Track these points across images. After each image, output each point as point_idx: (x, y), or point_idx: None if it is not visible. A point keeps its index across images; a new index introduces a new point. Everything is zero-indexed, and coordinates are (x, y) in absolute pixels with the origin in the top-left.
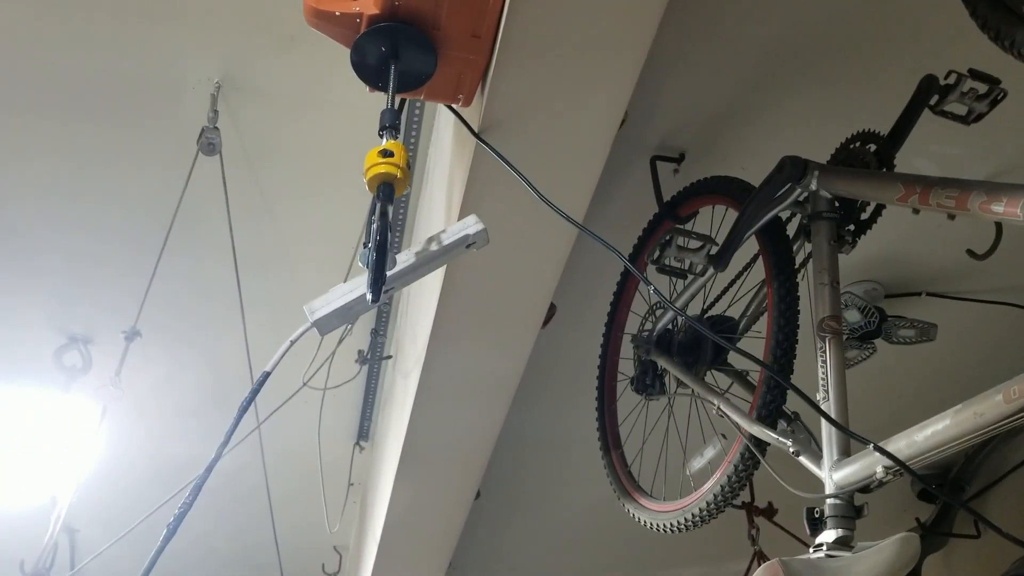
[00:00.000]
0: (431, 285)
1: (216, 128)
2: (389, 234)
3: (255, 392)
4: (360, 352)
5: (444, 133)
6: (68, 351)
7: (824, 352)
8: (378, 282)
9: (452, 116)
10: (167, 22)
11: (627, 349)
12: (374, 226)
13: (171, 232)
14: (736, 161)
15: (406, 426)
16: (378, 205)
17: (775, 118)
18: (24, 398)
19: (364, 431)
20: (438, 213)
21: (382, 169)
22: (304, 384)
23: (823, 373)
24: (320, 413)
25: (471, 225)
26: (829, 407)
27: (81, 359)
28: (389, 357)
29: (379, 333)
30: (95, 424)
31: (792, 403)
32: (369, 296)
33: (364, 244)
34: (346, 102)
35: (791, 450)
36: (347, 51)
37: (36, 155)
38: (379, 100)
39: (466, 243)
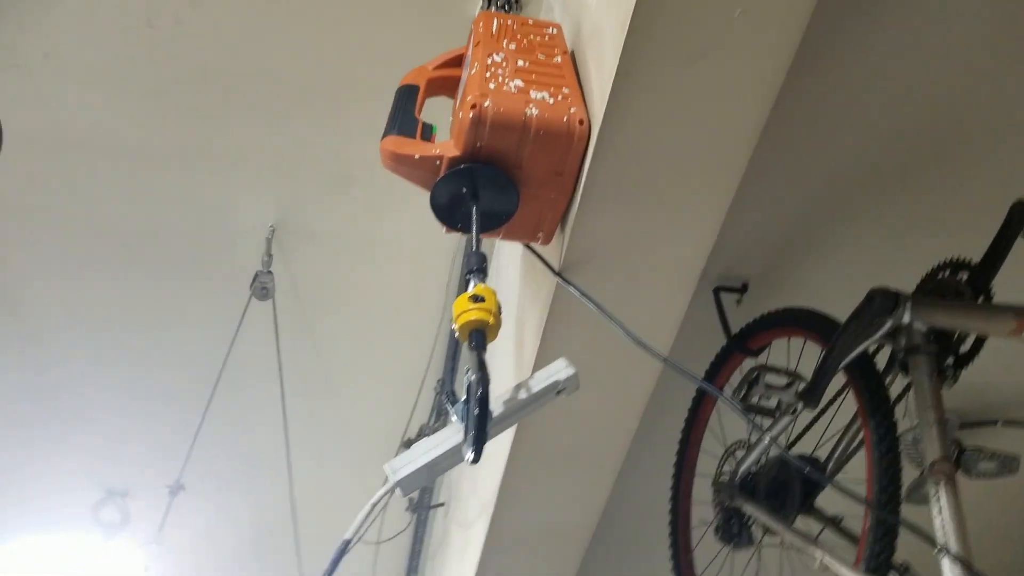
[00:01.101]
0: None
1: (270, 272)
2: (489, 385)
3: (335, 563)
4: (411, 499)
5: (506, 265)
6: (105, 506)
7: (939, 499)
8: (480, 439)
9: (515, 247)
10: (223, 169)
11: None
12: (472, 377)
13: (219, 382)
14: (798, 290)
15: None
16: (475, 355)
17: (837, 246)
18: (61, 554)
19: None
20: (503, 346)
21: (474, 316)
22: (357, 539)
23: (940, 522)
24: (373, 571)
25: (562, 370)
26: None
27: (119, 514)
28: (441, 504)
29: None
30: None
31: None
32: (471, 455)
33: (447, 396)
34: (400, 245)
35: None
36: (403, 193)
37: (87, 316)
38: (433, 241)
39: (556, 389)
